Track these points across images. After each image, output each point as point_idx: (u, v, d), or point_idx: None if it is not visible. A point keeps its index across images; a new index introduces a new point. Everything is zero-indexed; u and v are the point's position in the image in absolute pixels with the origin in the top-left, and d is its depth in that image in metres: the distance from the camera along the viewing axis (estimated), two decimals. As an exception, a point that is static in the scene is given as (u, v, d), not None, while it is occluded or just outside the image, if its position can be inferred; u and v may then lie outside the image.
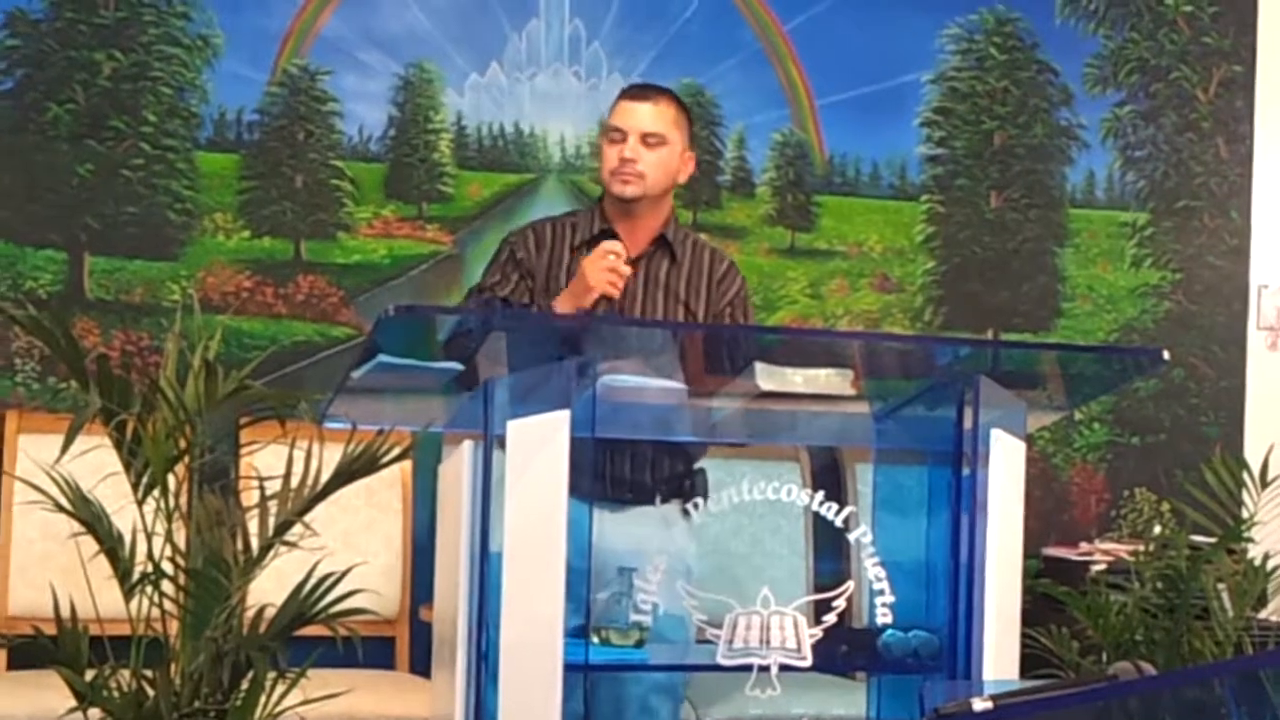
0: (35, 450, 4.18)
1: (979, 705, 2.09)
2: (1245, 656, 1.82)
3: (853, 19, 5.21)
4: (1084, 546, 5.17)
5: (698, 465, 3.75)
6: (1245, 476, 3.93)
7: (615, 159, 3.78)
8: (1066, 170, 5.44)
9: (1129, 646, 3.48)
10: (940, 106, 5.33)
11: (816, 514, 3.28)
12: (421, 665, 4.46)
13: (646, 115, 3.80)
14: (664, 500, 3.69)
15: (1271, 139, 5.53)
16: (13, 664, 4.33)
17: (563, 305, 3.67)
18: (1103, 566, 4.82)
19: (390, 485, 4.67)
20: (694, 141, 3.93)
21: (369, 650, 3.41)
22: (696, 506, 3.26)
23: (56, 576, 3.41)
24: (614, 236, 3.74)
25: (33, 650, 3.18)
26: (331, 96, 4.91)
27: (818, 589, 3.46)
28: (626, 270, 3.65)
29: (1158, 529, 5.11)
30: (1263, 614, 4.29)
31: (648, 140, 3.77)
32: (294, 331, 4.85)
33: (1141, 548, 4.44)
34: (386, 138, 4.96)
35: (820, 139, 5.24)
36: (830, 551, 4.90)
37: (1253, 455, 4.71)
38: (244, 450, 3.12)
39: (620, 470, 3.69)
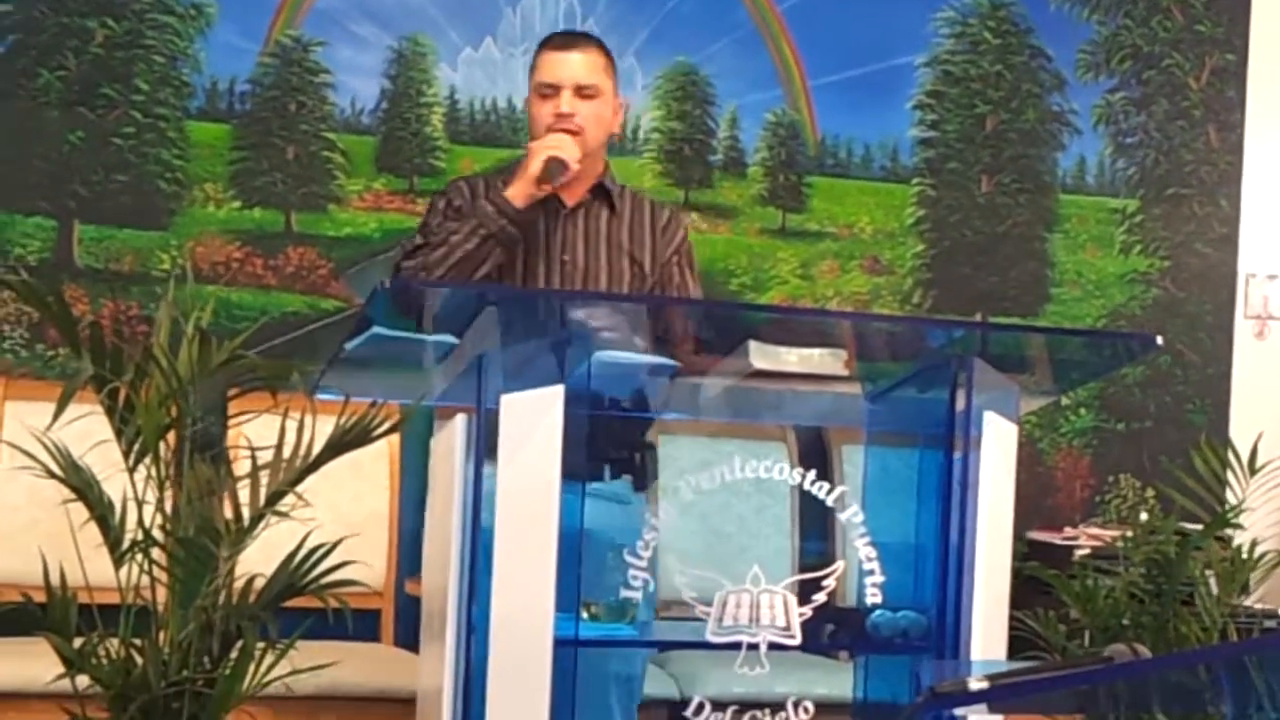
0: (22, 417, 4.17)
1: (975, 684, 2.08)
2: (1245, 641, 1.82)
3: (847, 0, 5.20)
4: (1068, 531, 5.18)
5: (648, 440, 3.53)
6: (1234, 463, 3.94)
7: (550, 116, 3.56)
8: (1058, 156, 5.44)
9: (1116, 630, 3.49)
10: (933, 89, 5.33)
11: (803, 494, 3.27)
12: (405, 639, 4.46)
13: (578, 66, 3.59)
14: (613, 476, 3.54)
15: (1262, 128, 5.54)
16: (-10, 631, 4.32)
17: (513, 191, 3.50)
18: (1086, 551, 4.83)
19: (378, 459, 4.65)
20: (618, 87, 3.71)
21: (353, 623, 3.40)
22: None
23: (42, 543, 3.40)
24: (550, 194, 3.58)
25: (12, 617, 3.15)
26: (324, 68, 4.89)
27: (802, 569, 3.46)
28: (574, 150, 3.50)
29: (1144, 515, 5.12)
30: (1247, 601, 4.31)
31: (583, 92, 3.57)
32: (283, 303, 4.83)
33: (1126, 533, 4.45)
34: (379, 110, 4.94)
35: (813, 120, 5.23)
36: (816, 531, 4.92)
37: (1238, 442, 4.72)
38: (235, 421, 3.10)
39: (608, 446, 3.65)
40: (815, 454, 4.92)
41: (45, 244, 4.70)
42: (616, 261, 3.65)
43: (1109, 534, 5.00)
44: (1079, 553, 4.85)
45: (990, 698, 2.09)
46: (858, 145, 5.29)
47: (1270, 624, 4.48)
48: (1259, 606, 4.43)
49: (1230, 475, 4.29)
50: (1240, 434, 5.20)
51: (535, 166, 3.49)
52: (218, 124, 4.83)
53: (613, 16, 5.06)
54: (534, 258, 3.60)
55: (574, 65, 3.59)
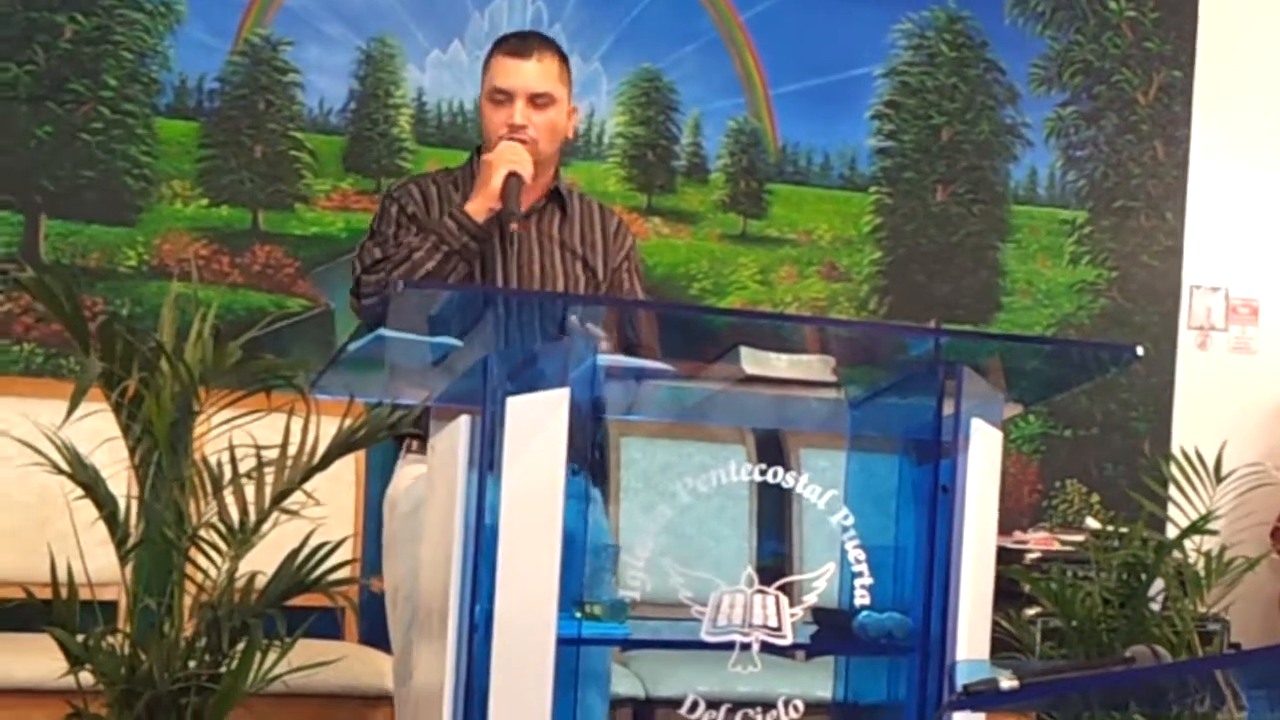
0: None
1: (1006, 684, 2.16)
2: (1270, 648, 1.89)
3: (808, 11, 5.28)
4: (1017, 535, 5.28)
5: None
6: (1201, 470, 4.05)
7: (502, 125, 3.52)
8: (1010, 167, 5.55)
9: (1092, 633, 3.58)
10: (891, 100, 5.42)
11: (769, 495, 3.32)
12: (370, 637, 4.46)
13: (533, 74, 3.53)
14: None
15: (1208, 143, 5.68)
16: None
17: (474, 206, 3.48)
18: (1037, 555, 4.94)
19: (345, 458, 4.65)
20: (572, 90, 3.67)
21: (319, 621, 3.43)
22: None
23: (30, 540, 3.40)
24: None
25: (15, 614, 3.15)
26: (293, 67, 4.90)
27: (770, 569, 3.51)
28: (529, 164, 3.48)
29: (1089, 520, 5.23)
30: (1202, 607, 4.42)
31: (536, 101, 3.54)
32: (249, 301, 4.83)
33: (1078, 537, 4.55)
34: (347, 111, 4.96)
35: (774, 128, 5.31)
36: (780, 532, 4.99)
37: (1178, 450, 4.81)
38: (242, 420, 3.12)
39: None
40: (774, 456, 4.99)
41: (11, 239, 4.68)
42: (570, 266, 3.65)
43: (1057, 538, 5.11)
44: (1029, 556, 4.95)
45: (1022, 698, 2.16)
46: (817, 154, 5.37)
47: (1214, 627, 4.61)
48: (1205, 611, 4.55)
49: (1185, 482, 4.39)
50: (1182, 441, 5.32)
51: (496, 182, 3.45)
52: (186, 121, 4.82)
53: (579, 22, 5.11)
54: (489, 263, 3.57)
55: (528, 74, 3.54)
